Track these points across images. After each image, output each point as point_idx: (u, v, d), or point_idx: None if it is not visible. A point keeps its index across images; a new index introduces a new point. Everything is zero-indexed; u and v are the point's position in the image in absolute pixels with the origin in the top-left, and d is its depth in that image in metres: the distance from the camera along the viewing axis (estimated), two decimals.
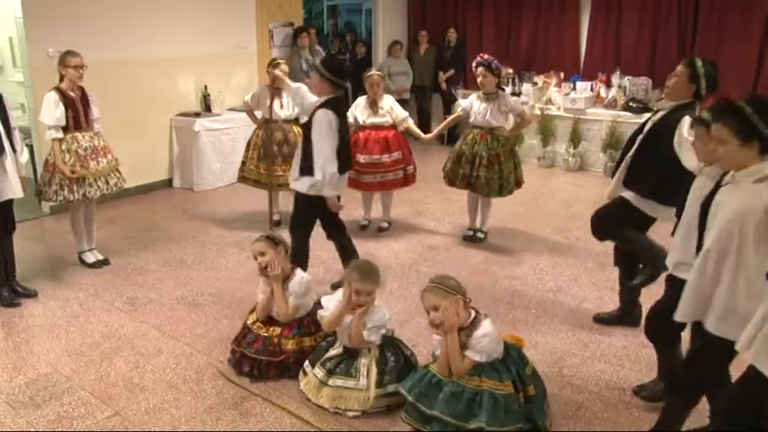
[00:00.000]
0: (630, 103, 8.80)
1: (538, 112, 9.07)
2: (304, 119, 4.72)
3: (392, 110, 6.07)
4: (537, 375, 3.40)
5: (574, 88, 9.35)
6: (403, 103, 10.08)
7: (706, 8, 8.77)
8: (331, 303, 3.59)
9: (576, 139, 9.00)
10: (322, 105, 4.48)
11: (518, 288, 5.07)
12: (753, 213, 2.59)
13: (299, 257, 4.47)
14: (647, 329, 3.55)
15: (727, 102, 2.74)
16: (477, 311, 3.31)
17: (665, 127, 3.93)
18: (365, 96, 6.12)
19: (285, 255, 3.91)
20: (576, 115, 9.01)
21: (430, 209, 6.95)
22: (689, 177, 3.52)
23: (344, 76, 4.75)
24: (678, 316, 2.93)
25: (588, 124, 9.01)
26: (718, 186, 2.86)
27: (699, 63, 3.92)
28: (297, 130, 6.20)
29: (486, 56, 5.75)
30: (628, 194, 4.18)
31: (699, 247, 2.86)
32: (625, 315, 4.50)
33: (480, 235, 6.08)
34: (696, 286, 2.82)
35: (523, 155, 6.25)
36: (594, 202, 7.63)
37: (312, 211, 4.63)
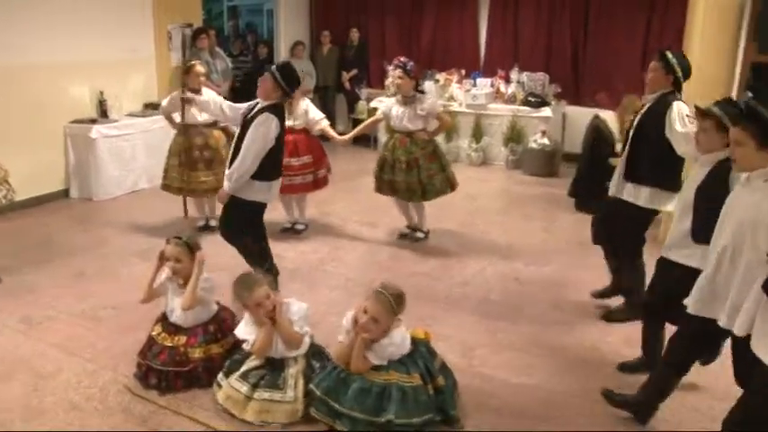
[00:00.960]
0: (529, 98, 9.11)
1: (440, 109, 9.19)
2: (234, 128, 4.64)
3: (307, 112, 5.99)
4: (446, 367, 3.46)
5: (474, 85, 9.57)
6: None
7: (595, 8, 9.26)
8: (250, 328, 3.50)
9: (478, 134, 9.22)
10: (267, 110, 4.44)
11: (426, 283, 5.14)
12: (762, 211, 2.69)
13: (263, 259, 4.59)
14: (645, 308, 3.80)
15: (749, 106, 2.80)
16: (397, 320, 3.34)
17: (654, 116, 4.13)
18: None
19: (193, 256, 3.80)
20: (478, 111, 9.23)
21: (336, 209, 6.95)
22: (683, 161, 4.03)
23: (296, 84, 4.72)
24: (690, 308, 3.04)
25: (489, 119, 9.25)
26: (712, 176, 3.14)
27: (669, 55, 4.16)
28: (217, 134, 6.07)
29: (402, 58, 5.78)
30: (629, 191, 4.38)
31: (693, 231, 3.15)
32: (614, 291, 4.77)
33: (420, 234, 6.08)
34: (711, 280, 2.93)
35: None
36: (498, 195, 7.90)
37: (253, 214, 4.63)
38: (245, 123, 4.51)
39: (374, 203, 6.42)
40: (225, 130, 6.14)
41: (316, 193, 6.43)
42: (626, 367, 3.93)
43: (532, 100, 9.08)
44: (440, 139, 9.26)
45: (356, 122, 9.51)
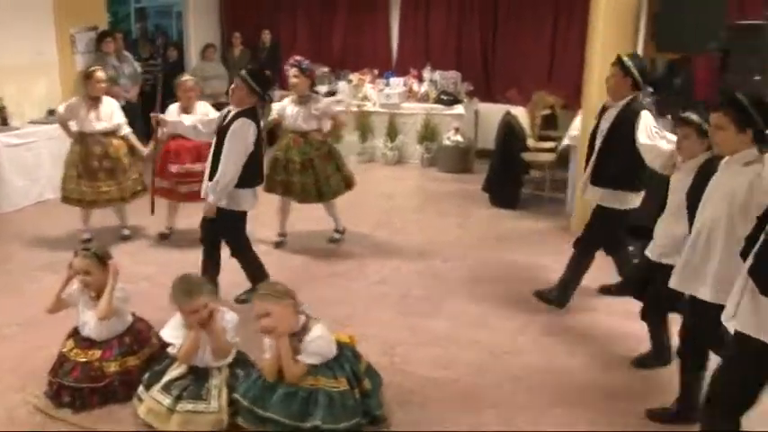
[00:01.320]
0: (442, 96, 9.28)
1: (355, 109, 9.25)
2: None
3: (207, 116, 5.86)
4: (371, 369, 3.47)
5: (388, 84, 9.64)
6: (220, 107, 9.90)
7: (504, 9, 9.55)
8: (178, 332, 3.41)
9: (392, 133, 9.30)
10: (242, 115, 4.40)
11: (344, 284, 5.14)
12: (740, 190, 2.92)
13: (258, 270, 4.67)
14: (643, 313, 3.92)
15: (729, 94, 3.07)
16: (307, 315, 3.31)
17: (624, 122, 4.31)
18: (177, 104, 5.86)
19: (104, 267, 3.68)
20: (392, 110, 9.30)
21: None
22: (644, 166, 4.23)
23: (269, 88, 4.75)
24: (672, 283, 3.29)
25: (404, 118, 9.34)
26: (700, 177, 3.28)
27: (625, 59, 4.38)
28: (117, 142, 5.85)
29: (298, 57, 5.71)
30: (599, 195, 4.56)
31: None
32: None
33: (336, 236, 6.04)
34: (689, 259, 3.17)
35: (343, 152, 6.27)
36: (413, 193, 7.98)
37: (240, 223, 4.62)
38: (221, 132, 4.46)
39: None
40: (125, 139, 5.93)
41: None
42: (639, 362, 4.01)
43: (445, 98, 9.24)
44: (355, 138, 9.37)
45: None
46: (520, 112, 8.20)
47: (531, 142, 8.16)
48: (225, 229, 4.63)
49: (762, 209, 2.72)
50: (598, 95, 5.87)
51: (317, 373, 3.20)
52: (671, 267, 3.37)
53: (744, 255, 2.66)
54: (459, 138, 8.90)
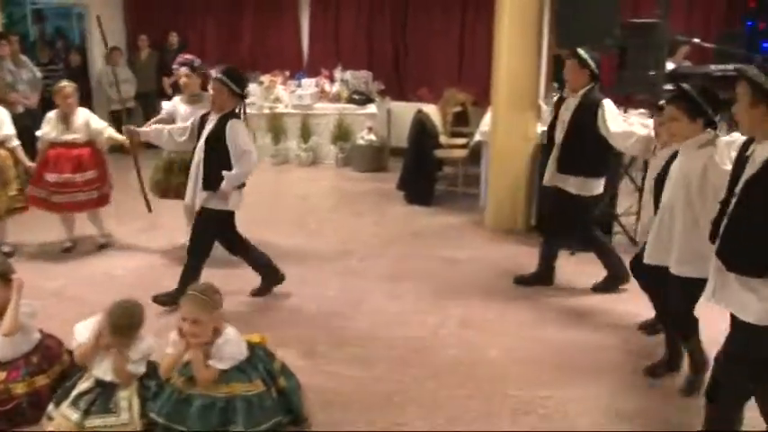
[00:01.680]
0: (354, 96, 9.33)
1: (267, 111, 9.18)
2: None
3: (88, 123, 5.61)
4: (287, 369, 3.42)
5: (299, 85, 9.61)
6: (128, 111, 9.63)
7: (413, 9, 9.70)
8: (86, 331, 3.27)
9: (306, 134, 9.27)
10: (229, 117, 4.40)
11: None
12: (694, 174, 3.25)
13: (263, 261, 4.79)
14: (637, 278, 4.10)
15: (680, 88, 3.40)
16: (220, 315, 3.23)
17: (586, 112, 4.60)
18: (56, 111, 5.59)
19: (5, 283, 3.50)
20: (304, 111, 9.28)
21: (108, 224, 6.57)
22: (612, 150, 4.67)
23: (247, 86, 4.83)
24: (645, 258, 3.59)
25: (317, 119, 9.33)
26: (668, 164, 3.52)
27: (581, 52, 4.64)
28: (3, 153, 5.54)
29: (188, 56, 5.53)
30: (567, 183, 4.77)
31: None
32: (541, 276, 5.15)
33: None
34: (657, 234, 3.49)
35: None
36: (329, 193, 7.98)
37: (221, 227, 4.63)
38: (210, 138, 4.43)
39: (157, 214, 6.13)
40: (12, 151, 5.61)
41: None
42: (644, 326, 4.33)
43: (357, 98, 9.29)
44: (268, 140, 9.29)
45: None
46: (431, 110, 8.32)
47: (443, 139, 8.30)
48: (218, 231, 4.65)
49: (717, 189, 3.00)
50: (506, 92, 6.06)
51: (230, 379, 3.11)
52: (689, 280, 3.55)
53: (712, 238, 2.83)
54: (372, 137, 8.96)
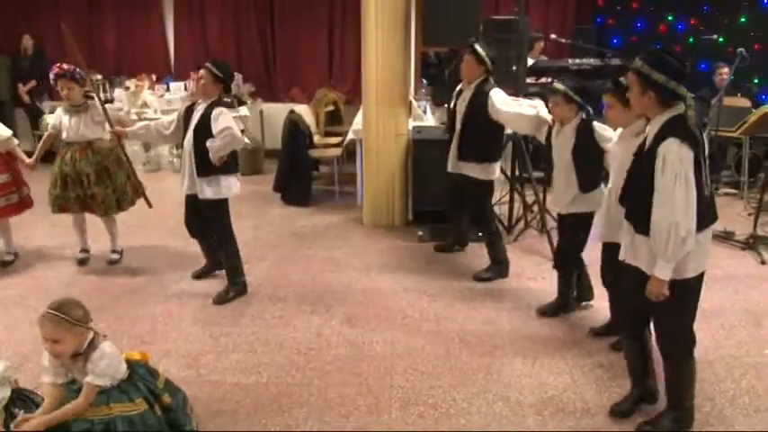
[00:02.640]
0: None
1: (134, 117, 8.84)
2: None
3: None
4: (171, 384, 3.31)
5: (168, 89, 9.32)
6: None
7: (279, 8, 9.66)
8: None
9: None
10: (217, 104, 4.59)
11: (141, 299, 4.92)
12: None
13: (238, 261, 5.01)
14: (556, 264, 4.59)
15: (617, 80, 3.63)
16: (95, 332, 3.03)
17: (479, 103, 4.95)
18: None
19: None
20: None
21: (40, 234, 6.30)
22: (503, 136, 5.16)
23: (232, 77, 4.94)
24: (597, 238, 3.93)
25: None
26: (579, 137, 4.10)
27: (478, 48, 4.97)
28: None
29: (65, 66, 5.27)
30: (468, 169, 5.16)
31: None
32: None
33: (115, 256, 5.70)
34: (606, 213, 3.78)
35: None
36: None
37: (227, 209, 4.90)
38: (199, 127, 4.57)
39: (70, 226, 5.91)
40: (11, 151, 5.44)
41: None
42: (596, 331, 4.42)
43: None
44: (137, 147, 8.96)
45: (41, 139, 8.76)
46: (304, 110, 8.31)
47: (317, 139, 8.33)
48: (214, 219, 4.86)
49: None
50: (376, 89, 6.16)
51: (109, 400, 2.96)
52: (575, 215, 4.27)
53: (621, 201, 3.27)
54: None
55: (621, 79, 3.59)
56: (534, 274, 5.36)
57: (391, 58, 6.10)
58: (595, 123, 4.14)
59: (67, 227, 5.86)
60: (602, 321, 4.34)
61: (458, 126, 5.15)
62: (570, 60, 7.82)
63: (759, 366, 3.93)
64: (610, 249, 3.82)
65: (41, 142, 5.63)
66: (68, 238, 5.94)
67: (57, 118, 5.42)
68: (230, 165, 4.73)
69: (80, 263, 5.66)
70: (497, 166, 5.24)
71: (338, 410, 3.53)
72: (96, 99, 5.34)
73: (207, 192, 4.71)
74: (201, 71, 4.64)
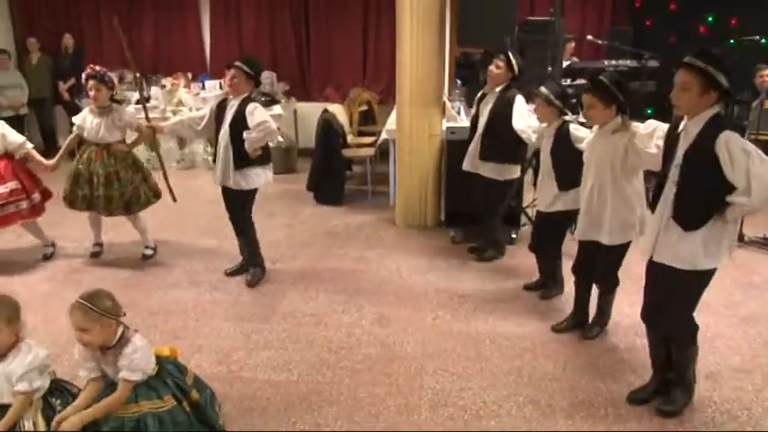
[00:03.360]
0: (259, 97, 9.15)
1: (170, 115, 8.95)
2: None
3: (4, 136, 5.39)
4: (199, 380, 3.32)
5: (203, 87, 9.42)
6: (21, 119, 9.20)
7: (314, 8, 9.71)
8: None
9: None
10: (249, 100, 4.81)
11: (174, 295, 4.98)
12: (617, 155, 3.72)
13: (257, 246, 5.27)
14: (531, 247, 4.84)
15: (593, 79, 3.83)
16: (125, 326, 3.07)
17: (503, 106, 5.14)
18: None
19: None
20: None
21: (67, 231, 6.41)
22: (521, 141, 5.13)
23: (261, 73, 5.14)
24: (577, 235, 4.13)
25: None
26: (558, 138, 4.37)
27: (510, 55, 5.18)
28: None
29: (97, 67, 5.36)
30: (487, 170, 5.36)
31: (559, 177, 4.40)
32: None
33: (148, 251, 5.80)
34: (587, 211, 3.97)
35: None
36: None
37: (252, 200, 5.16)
38: (233, 123, 4.76)
39: (106, 221, 6.00)
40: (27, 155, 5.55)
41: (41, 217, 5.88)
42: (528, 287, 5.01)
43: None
44: (173, 144, 9.07)
45: None
46: (338, 110, 8.34)
47: (350, 138, 8.35)
48: (238, 205, 5.13)
49: (636, 168, 3.75)
50: (410, 89, 6.15)
51: (138, 397, 2.99)
52: (555, 213, 4.49)
53: (652, 206, 3.31)
54: (279, 138, 8.88)
55: (601, 77, 3.78)
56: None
57: (426, 59, 6.08)
58: (571, 125, 4.37)
59: (102, 222, 5.95)
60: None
61: (480, 129, 5.34)
62: (606, 62, 7.73)
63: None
64: (586, 247, 4.07)
65: (66, 142, 5.72)
66: (103, 233, 6.02)
67: (82, 118, 5.51)
68: (264, 157, 4.93)
69: (93, 255, 5.81)
70: (517, 169, 5.47)
71: (368, 410, 3.53)
72: (139, 95, 5.73)
73: (241, 183, 4.94)
74: (233, 70, 4.77)
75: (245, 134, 4.71)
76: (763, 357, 4.05)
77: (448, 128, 6.52)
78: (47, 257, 5.77)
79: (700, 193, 3.06)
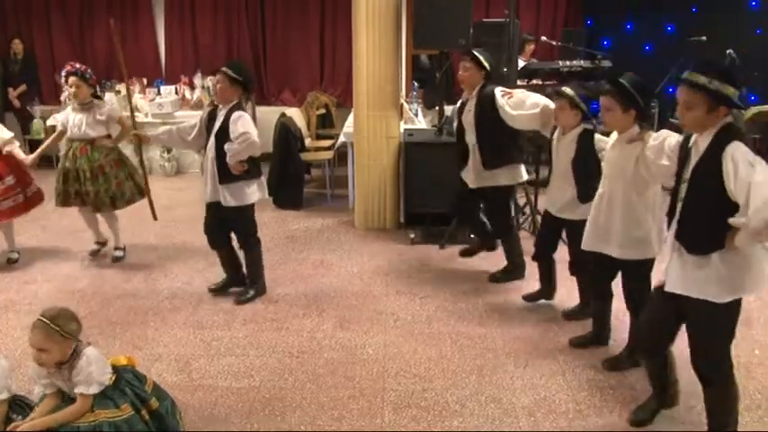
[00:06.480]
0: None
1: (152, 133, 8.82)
2: None
3: None
4: (159, 389, 3.27)
5: (159, 93, 9.30)
6: None
7: (271, 12, 9.67)
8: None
9: None
10: (236, 108, 4.53)
11: (132, 304, 4.90)
12: (628, 166, 3.45)
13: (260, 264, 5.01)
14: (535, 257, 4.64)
15: (613, 80, 3.52)
16: (78, 340, 3.00)
17: (485, 107, 4.81)
18: None
19: None
20: (165, 119, 8.93)
21: (21, 239, 6.24)
22: (519, 135, 4.92)
23: (251, 80, 4.75)
24: (583, 245, 3.80)
25: None
26: (580, 147, 4.08)
27: (478, 54, 4.86)
28: None
29: (77, 65, 5.41)
30: (495, 176, 4.94)
31: (579, 194, 4.13)
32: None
33: (119, 253, 5.79)
34: (594, 221, 3.72)
35: None
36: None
37: (252, 214, 4.87)
38: (220, 132, 4.54)
39: (64, 228, 5.92)
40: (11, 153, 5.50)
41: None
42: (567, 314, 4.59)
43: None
44: (128, 151, 8.91)
45: (33, 143, 8.74)
46: (295, 113, 8.31)
47: (308, 142, 8.33)
48: (238, 223, 4.85)
49: (646, 181, 3.42)
50: (367, 92, 6.17)
51: (94, 407, 2.93)
52: (567, 220, 4.25)
53: (668, 226, 3.05)
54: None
55: (621, 80, 3.49)
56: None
57: (382, 61, 6.11)
58: (596, 135, 4.09)
59: (59, 230, 5.89)
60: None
61: (472, 139, 4.97)
62: (561, 62, 7.85)
63: (750, 366, 3.95)
64: (595, 258, 3.80)
65: (45, 143, 5.75)
66: (60, 241, 5.94)
67: (65, 115, 5.53)
68: (251, 170, 4.66)
69: (91, 254, 5.84)
70: (523, 169, 5.09)
71: (331, 414, 3.53)
72: (128, 103, 5.52)
73: (230, 200, 4.68)
74: (218, 75, 4.58)
75: (225, 146, 4.49)
76: None
77: (406, 130, 6.56)
78: (11, 263, 5.70)
79: (706, 212, 2.79)
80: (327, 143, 8.39)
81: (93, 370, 2.94)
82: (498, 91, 4.79)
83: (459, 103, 5.16)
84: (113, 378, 3.05)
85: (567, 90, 4.12)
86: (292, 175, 7.49)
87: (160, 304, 4.89)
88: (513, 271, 5.24)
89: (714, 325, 2.94)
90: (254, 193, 4.76)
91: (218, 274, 5.31)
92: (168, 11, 9.80)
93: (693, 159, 2.86)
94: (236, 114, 4.50)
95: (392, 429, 3.41)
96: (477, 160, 4.98)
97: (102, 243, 5.92)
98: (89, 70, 5.43)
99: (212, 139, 4.63)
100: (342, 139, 7.24)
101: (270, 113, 8.97)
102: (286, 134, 7.53)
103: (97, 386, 2.95)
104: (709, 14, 8.50)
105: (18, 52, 9.56)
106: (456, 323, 4.55)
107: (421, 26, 5.90)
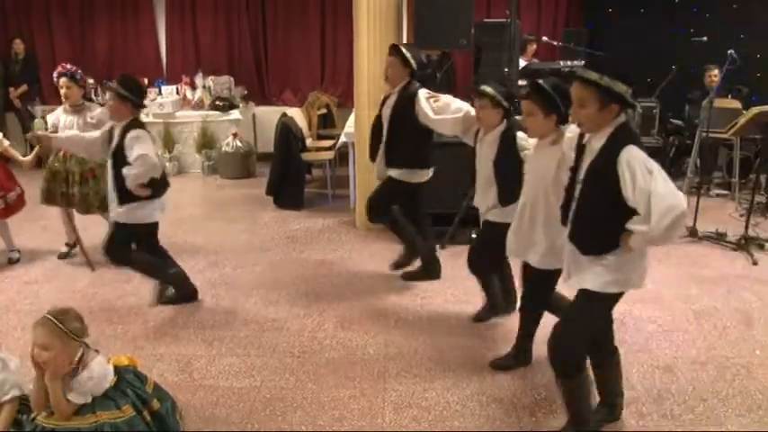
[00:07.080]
0: (217, 102, 9.14)
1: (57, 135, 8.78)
2: None
3: None
4: (160, 389, 3.26)
5: (160, 93, 9.30)
6: None
7: (271, 12, 9.68)
8: None
9: (169, 143, 9.00)
10: (132, 126, 4.29)
11: (133, 304, 4.90)
12: (549, 169, 3.31)
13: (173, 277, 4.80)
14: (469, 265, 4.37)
15: (535, 84, 3.37)
16: (87, 346, 2.99)
17: (404, 106, 4.71)
18: None
19: None
20: (166, 119, 9.00)
21: (22, 239, 6.27)
22: (430, 139, 4.80)
23: (144, 95, 4.55)
24: (508, 252, 3.71)
25: (179, 127, 9.10)
26: (502, 146, 3.91)
27: (403, 50, 4.75)
28: None
29: (68, 66, 5.42)
30: (394, 172, 4.87)
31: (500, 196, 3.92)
32: (426, 270, 5.29)
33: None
34: (517, 230, 3.57)
35: None
36: (198, 202, 7.80)
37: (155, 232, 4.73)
38: (116, 152, 4.34)
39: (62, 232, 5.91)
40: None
41: None
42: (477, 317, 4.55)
43: (220, 104, 9.12)
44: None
45: (33, 144, 8.73)
46: (296, 113, 8.32)
47: (309, 142, 8.33)
48: (143, 242, 4.68)
49: (564, 181, 3.15)
50: (368, 92, 6.16)
51: (95, 408, 2.92)
52: (495, 223, 4.02)
53: (564, 223, 3.04)
54: (238, 143, 8.84)
55: (541, 82, 3.37)
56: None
57: (383, 61, 6.07)
58: (519, 133, 3.91)
59: (60, 230, 5.88)
60: None
61: (384, 133, 4.89)
62: (561, 62, 7.85)
63: (750, 367, 3.94)
64: (524, 267, 3.72)
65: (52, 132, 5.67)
66: (61, 241, 5.92)
67: (56, 116, 5.50)
68: (153, 191, 4.46)
69: (60, 256, 5.84)
70: (428, 172, 4.96)
71: (332, 414, 3.52)
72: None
73: (132, 218, 4.49)
74: (109, 94, 4.41)
75: (124, 171, 4.26)
76: (716, 349, 4.15)
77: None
78: (12, 262, 5.70)
79: (599, 215, 2.82)
80: (328, 143, 8.39)
81: (91, 385, 2.92)
82: (423, 93, 4.69)
83: (383, 97, 5.05)
84: (115, 379, 3.04)
85: (488, 88, 3.94)
86: (293, 175, 7.49)
87: (161, 304, 4.89)
88: (427, 270, 5.30)
89: (589, 313, 2.99)
90: (155, 212, 4.60)
91: (218, 274, 5.32)
92: (169, 10, 9.80)
93: (587, 159, 2.87)
94: (132, 134, 4.27)
95: (393, 429, 3.40)
96: (382, 153, 4.94)
97: (72, 245, 5.87)
98: (80, 71, 5.42)
99: (110, 159, 4.43)
100: (343, 139, 7.24)
101: (271, 113, 9.00)
102: (287, 134, 7.53)
103: (88, 397, 2.93)
104: (710, 14, 8.51)
105: (19, 52, 9.56)
106: (457, 323, 4.55)
107: (422, 26, 5.90)
